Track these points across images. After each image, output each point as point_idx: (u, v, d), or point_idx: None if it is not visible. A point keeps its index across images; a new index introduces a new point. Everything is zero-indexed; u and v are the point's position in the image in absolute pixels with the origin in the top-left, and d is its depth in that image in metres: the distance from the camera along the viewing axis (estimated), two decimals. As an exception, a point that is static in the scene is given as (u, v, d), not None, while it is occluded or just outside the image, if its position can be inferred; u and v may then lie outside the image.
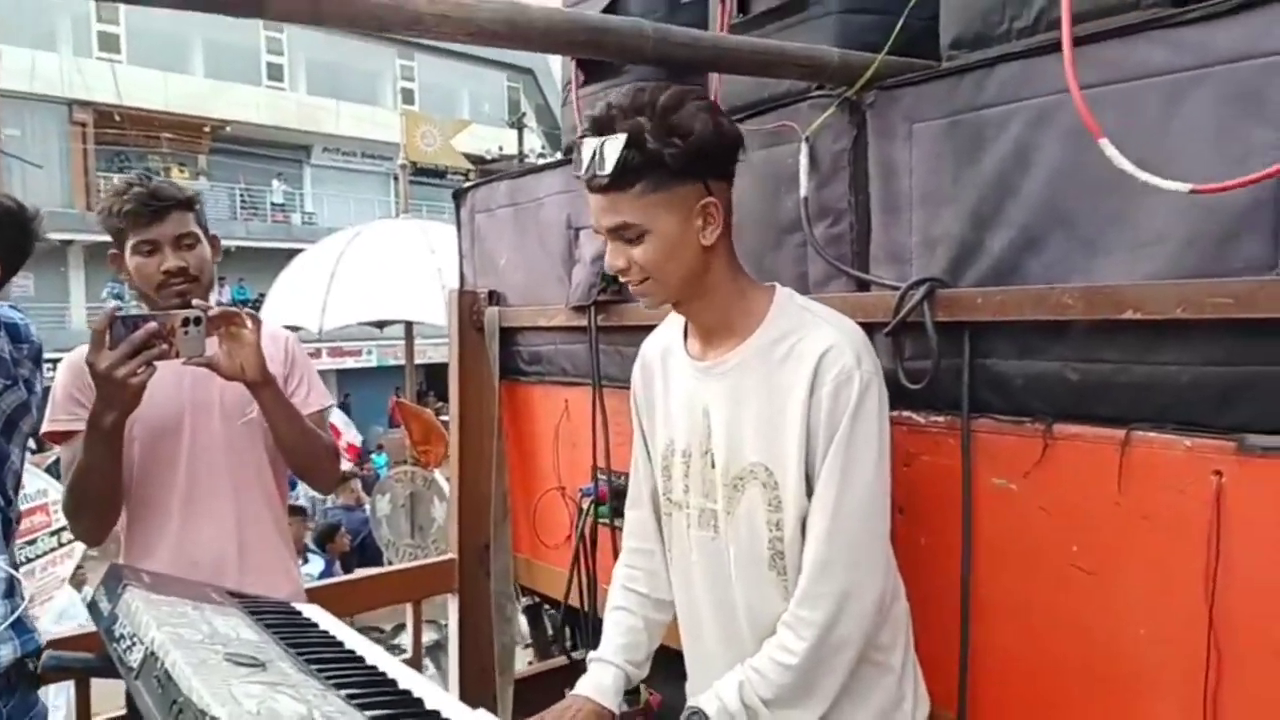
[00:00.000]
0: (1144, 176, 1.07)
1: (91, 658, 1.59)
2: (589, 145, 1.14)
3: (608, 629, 1.42)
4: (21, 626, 1.60)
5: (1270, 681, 1.09)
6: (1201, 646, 1.13)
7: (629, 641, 1.40)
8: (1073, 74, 1.09)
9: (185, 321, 1.56)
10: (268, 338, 1.86)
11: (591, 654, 1.40)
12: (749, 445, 1.21)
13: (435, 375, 13.62)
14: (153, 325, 1.52)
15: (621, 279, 1.23)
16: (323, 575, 5.23)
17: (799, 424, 1.17)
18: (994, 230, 1.32)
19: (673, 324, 1.36)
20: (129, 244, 1.72)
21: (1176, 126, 1.13)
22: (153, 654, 1.10)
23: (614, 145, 1.11)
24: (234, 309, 1.66)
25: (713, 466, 1.26)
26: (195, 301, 1.64)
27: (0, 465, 1.64)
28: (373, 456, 12.15)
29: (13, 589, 1.59)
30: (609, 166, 1.12)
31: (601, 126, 1.14)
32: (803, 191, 1.53)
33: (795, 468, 1.17)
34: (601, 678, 1.36)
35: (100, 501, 1.69)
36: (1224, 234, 1.10)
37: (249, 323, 1.65)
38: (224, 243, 1.90)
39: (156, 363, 1.53)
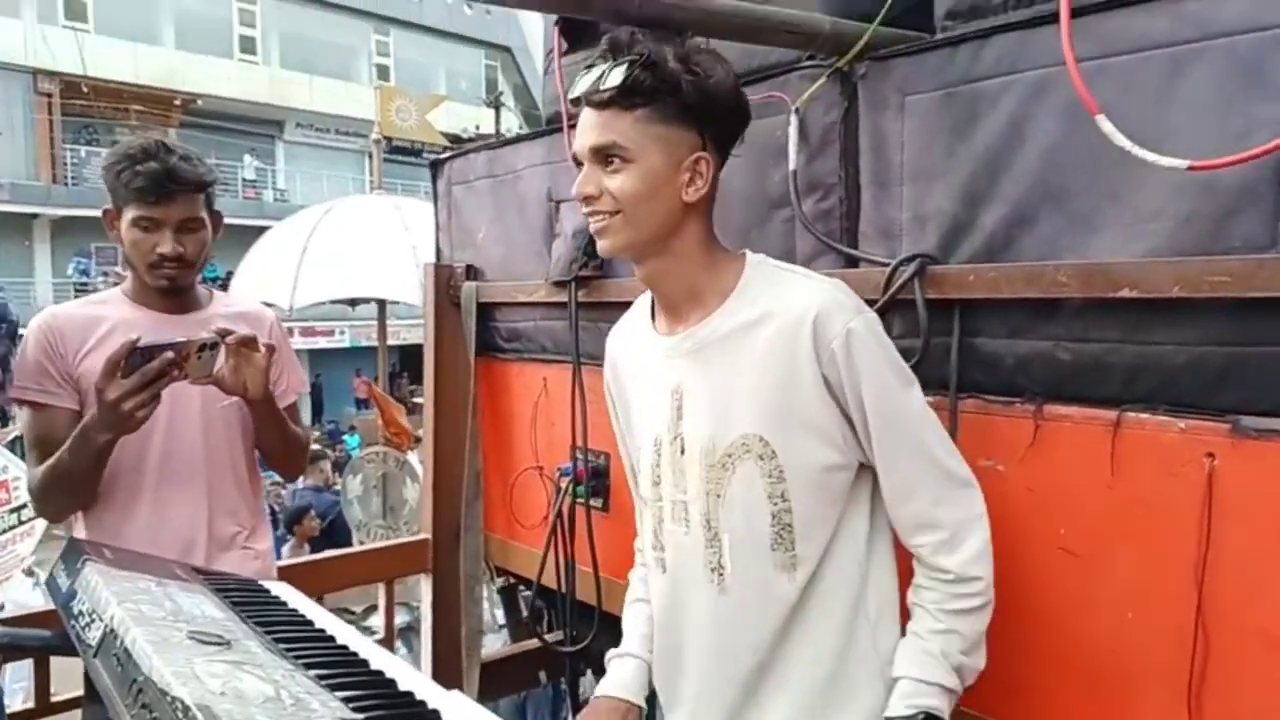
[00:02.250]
0: (1140, 153, 1.05)
1: (49, 635, 1.54)
2: (600, 66, 1.09)
3: (626, 623, 1.37)
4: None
5: (1256, 668, 1.08)
6: (1189, 632, 1.11)
7: (648, 631, 1.33)
8: (1069, 46, 1.06)
9: (202, 347, 1.54)
10: (250, 317, 1.80)
11: (611, 651, 1.35)
12: (737, 417, 1.13)
13: (410, 356, 13.51)
14: (169, 355, 1.49)
15: (586, 209, 1.14)
16: (271, 555, 5.10)
17: (811, 384, 1.10)
18: (987, 206, 1.29)
19: (637, 310, 1.30)
20: (128, 214, 1.66)
21: (1176, 101, 1.11)
22: (112, 631, 1.05)
23: (627, 64, 1.07)
24: (251, 334, 1.62)
25: (682, 452, 1.18)
26: (216, 327, 1.60)
27: None
28: (345, 438, 12.03)
29: None
30: (616, 80, 1.06)
31: (618, 47, 1.09)
32: (791, 165, 1.50)
33: (806, 428, 1.11)
34: (622, 673, 1.31)
35: (77, 494, 1.66)
36: (1222, 211, 1.08)
37: (262, 349, 1.63)
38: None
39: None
